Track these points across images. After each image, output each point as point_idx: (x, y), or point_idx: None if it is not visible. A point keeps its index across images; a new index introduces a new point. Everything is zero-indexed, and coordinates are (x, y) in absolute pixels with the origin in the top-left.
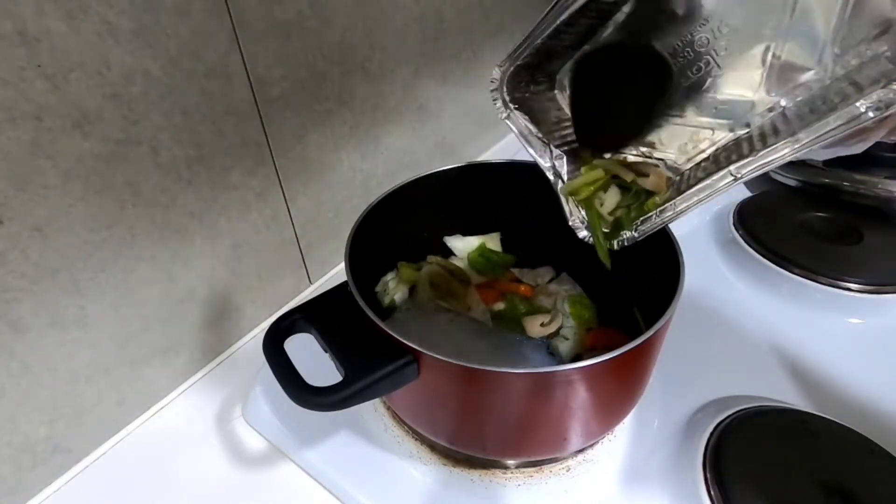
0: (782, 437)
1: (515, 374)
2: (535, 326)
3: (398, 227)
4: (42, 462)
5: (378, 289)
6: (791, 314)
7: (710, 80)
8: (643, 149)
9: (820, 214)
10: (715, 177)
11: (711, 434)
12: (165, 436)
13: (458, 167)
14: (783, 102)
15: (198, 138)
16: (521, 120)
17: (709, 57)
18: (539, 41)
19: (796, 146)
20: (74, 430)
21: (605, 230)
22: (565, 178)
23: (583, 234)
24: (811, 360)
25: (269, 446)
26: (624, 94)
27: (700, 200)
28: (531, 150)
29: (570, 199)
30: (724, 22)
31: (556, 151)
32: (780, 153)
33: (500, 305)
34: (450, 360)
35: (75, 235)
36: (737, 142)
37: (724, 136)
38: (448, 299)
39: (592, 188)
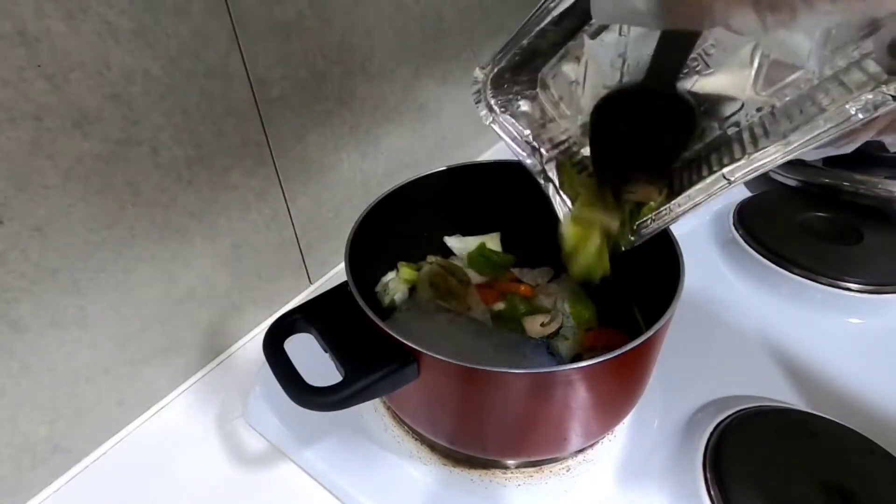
0: (782, 437)
1: (515, 374)
2: (535, 326)
3: (398, 228)
4: (42, 462)
5: (378, 289)
6: (791, 314)
7: (699, 78)
8: None
9: (820, 214)
10: (708, 181)
11: (711, 434)
12: (165, 436)
13: (459, 167)
14: (772, 102)
15: (198, 138)
16: (507, 123)
17: (698, 55)
18: (525, 41)
19: (787, 149)
20: (74, 430)
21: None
22: (555, 180)
23: None
24: (811, 360)
25: (269, 446)
26: (646, 137)
27: (696, 204)
28: (519, 154)
29: (559, 197)
30: None
31: (546, 154)
32: (772, 157)
33: (500, 305)
34: (450, 360)
35: (75, 235)
36: (728, 143)
37: (713, 136)
38: (448, 299)
39: (586, 242)
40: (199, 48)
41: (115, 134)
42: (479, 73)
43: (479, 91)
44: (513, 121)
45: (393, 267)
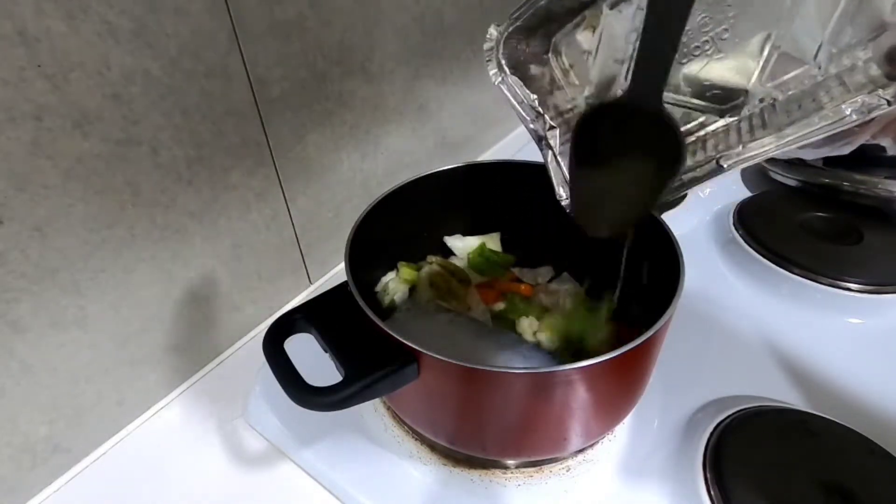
0: (782, 437)
1: (515, 374)
2: (528, 329)
3: (398, 228)
4: (42, 462)
5: (378, 289)
6: (791, 314)
7: (708, 62)
8: None
9: (820, 214)
10: (703, 165)
11: (711, 434)
12: (165, 436)
13: (458, 167)
14: (775, 95)
15: (198, 138)
16: (515, 85)
17: (710, 38)
18: (543, 2)
19: (782, 141)
20: (74, 430)
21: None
22: (556, 149)
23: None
24: (811, 360)
25: (269, 446)
26: (628, 168)
27: (687, 186)
28: (523, 118)
29: (555, 165)
30: (730, 4)
31: (550, 122)
32: (766, 147)
33: (500, 305)
34: (450, 360)
35: (75, 235)
36: (726, 129)
37: (714, 122)
38: (448, 299)
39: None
40: (199, 48)
41: (115, 134)
42: (493, 31)
43: (491, 49)
44: (521, 83)
45: (393, 267)
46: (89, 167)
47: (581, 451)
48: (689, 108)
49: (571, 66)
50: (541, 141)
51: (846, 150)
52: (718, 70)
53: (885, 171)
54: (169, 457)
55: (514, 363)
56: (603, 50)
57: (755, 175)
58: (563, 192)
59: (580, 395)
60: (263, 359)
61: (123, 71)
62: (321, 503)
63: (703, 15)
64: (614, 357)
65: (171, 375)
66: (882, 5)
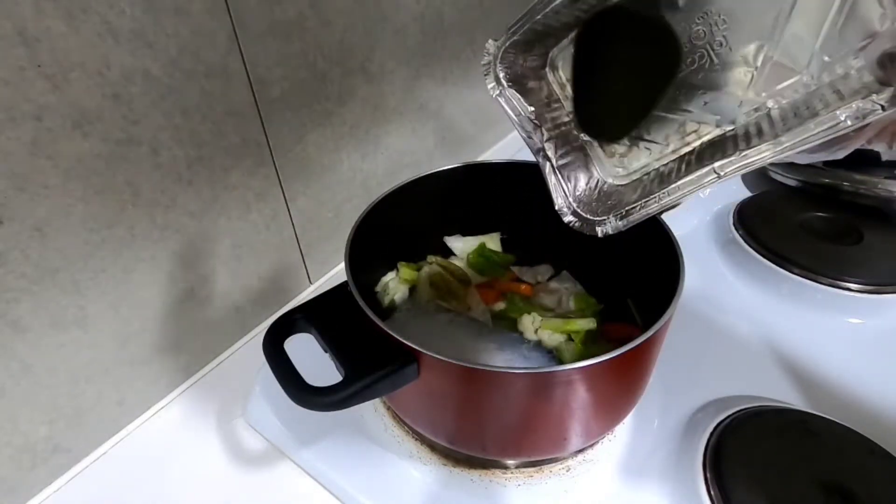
0: (782, 437)
1: (515, 374)
2: (529, 327)
3: (398, 228)
4: (42, 462)
5: (378, 289)
6: (791, 314)
7: (703, 73)
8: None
9: (820, 214)
10: (699, 173)
11: (711, 434)
12: (165, 436)
13: (458, 167)
14: (769, 104)
15: (198, 138)
16: (513, 98)
17: (704, 50)
18: (539, 16)
19: (778, 148)
20: (74, 430)
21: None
22: (554, 161)
23: (568, 218)
24: (811, 360)
25: (269, 446)
26: (629, 71)
27: (684, 194)
28: (521, 130)
29: (555, 178)
30: (723, 16)
31: (548, 134)
32: (762, 154)
33: (500, 305)
34: (450, 360)
35: (75, 235)
36: (722, 139)
37: (709, 132)
38: (448, 299)
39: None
40: (199, 48)
41: (115, 134)
42: (490, 45)
43: (489, 63)
44: (518, 96)
45: (393, 267)
46: (89, 167)
47: (581, 451)
48: (684, 119)
49: (569, 80)
50: (538, 153)
51: (840, 155)
52: (714, 81)
53: (885, 171)
54: (169, 457)
55: (515, 363)
56: None
57: (755, 175)
58: (561, 203)
59: (580, 395)
60: (263, 359)
61: (123, 71)
62: (321, 503)
63: (698, 27)
64: (614, 357)
65: (172, 375)
66: (870, 15)
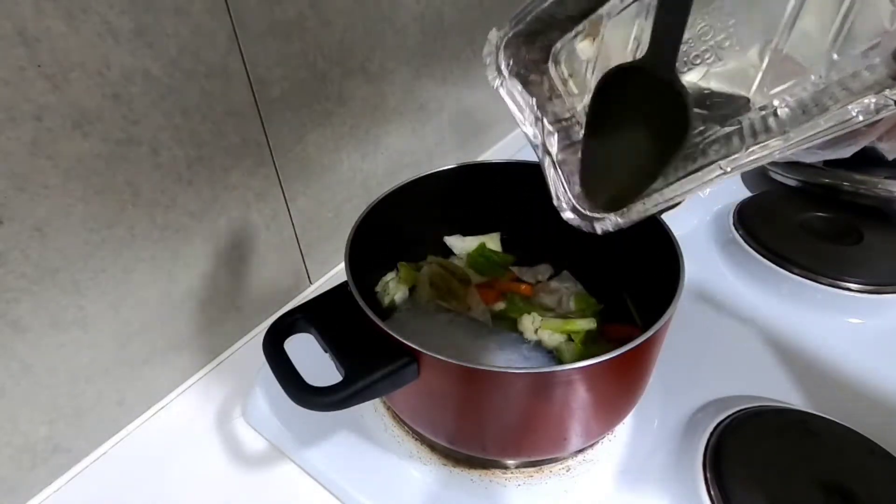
0: (782, 437)
1: (515, 374)
2: (529, 326)
3: (398, 228)
4: (42, 462)
5: (378, 289)
6: (791, 314)
7: (708, 70)
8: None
9: (820, 214)
10: (705, 169)
11: (711, 434)
12: (165, 436)
13: (458, 167)
14: (776, 102)
15: (198, 138)
16: (514, 90)
17: (710, 47)
18: (545, 5)
19: (786, 144)
20: (74, 430)
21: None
22: (555, 156)
23: (567, 214)
24: (811, 360)
25: (269, 446)
26: (638, 134)
27: (688, 191)
28: (522, 122)
29: (553, 172)
30: (730, 13)
31: (549, 127)
32: (770, 150)
33: (500, 305)
34: (450, 360)
35: (75, 235)
36: (727, 136)
37: (714, 130)
38: (448, 299)
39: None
40: (199, 48)
41: (115, 134)
42: (493, 35)
43: (491, 52)
44: (520, 88)
45: (393, 267)
46: (89, 167)
47: (581, 451)
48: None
49: (570, 75)
50: (538, 147)
51: (848, 153)
52: (719, 78)
53: (885, 171)
54: (169, 457)
55: (515, 363)
56: (602, 59)
57: (755, 175)
58: (560, 198)
59: (580, 395)
60: (263, 359)
61: (123, 71)
62: (321, 503)
63: (704, 24)
64: (614, 357)
65: (171, 375)
66: (881, 13)
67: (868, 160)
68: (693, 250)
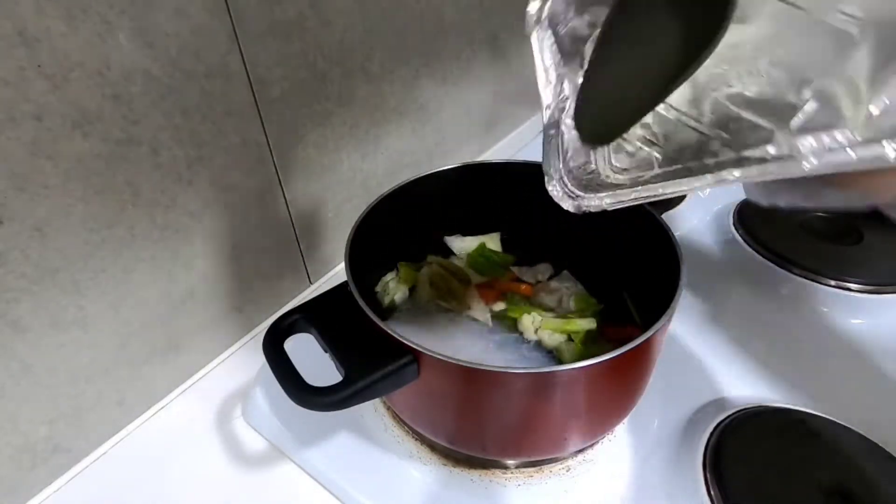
0: (782, 437)
1: (515, 374)
2: (529, 326)
3: (398, 228)
4: (42, 462)
5: (378, 289)
6: (791, 314)
7: (741, 91)
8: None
9: (820, 214)
10: (697, 176)
11: (711, 434)
12: (165, 436)
13: (458, 167)
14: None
15: (198, 138)
16: (546, 42)
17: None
18: None
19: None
20: (74, 430)
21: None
22: (563, 120)
23: (552, 185)
24: (811, 360)
25: (269, 446)
26: (657, 41)
27: (685, 189)
28: (542, 76)
29: (555, 148)
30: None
31: (565, 91)
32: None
33: (500, 305)
34: (450, 360)
35: (75, 235)
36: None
37: (728, 155)
38: (448, 299)
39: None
40: (199, 48)
41: (115, 134)
42: None
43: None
44: (551, 43)
45: (393, 267)
46: (89, 167)
47: (581, 451)
48: (705, 136)
49: None
50: (549, 107)
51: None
52: (749, 107)
53: None
54: (169, 457)
55: (514, 363)
56: None
57: None
58: (550, 167)
59: (580, 395)
60: (263, 359)
61: (123, 71)
62: (321, 503)
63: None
64: (614, 357)
65: (171, 375)
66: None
67: None
68: (693, 250)
